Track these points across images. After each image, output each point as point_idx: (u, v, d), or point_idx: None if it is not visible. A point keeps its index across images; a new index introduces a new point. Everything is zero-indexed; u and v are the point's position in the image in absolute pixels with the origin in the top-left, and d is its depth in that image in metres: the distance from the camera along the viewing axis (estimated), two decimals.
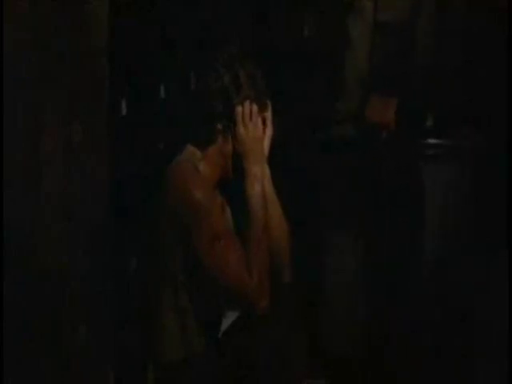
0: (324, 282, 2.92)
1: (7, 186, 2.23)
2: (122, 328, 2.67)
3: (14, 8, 2.23)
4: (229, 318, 2.48)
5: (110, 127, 2.45)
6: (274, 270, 2.43)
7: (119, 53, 2.69)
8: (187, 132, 2.46)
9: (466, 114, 2.92)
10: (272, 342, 2.30)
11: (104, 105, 2.43)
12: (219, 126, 2.35)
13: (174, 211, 2.30)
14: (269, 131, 2.42)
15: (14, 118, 2.26)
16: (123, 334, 2.70)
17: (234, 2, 3.40)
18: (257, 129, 2.36)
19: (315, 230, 3.00)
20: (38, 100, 2.28)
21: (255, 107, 2.34)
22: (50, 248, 2.30)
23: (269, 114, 2.42)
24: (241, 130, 2.34)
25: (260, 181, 2.34)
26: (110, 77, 2.45)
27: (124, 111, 3.01)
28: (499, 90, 2.66)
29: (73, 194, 2.35)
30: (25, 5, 2.25)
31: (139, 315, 2.61)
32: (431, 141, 2.98)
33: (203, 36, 3.25)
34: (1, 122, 2.22)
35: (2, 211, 2.22)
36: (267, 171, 2.41)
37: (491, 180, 2.79)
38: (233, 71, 2.35)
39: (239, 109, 2.32)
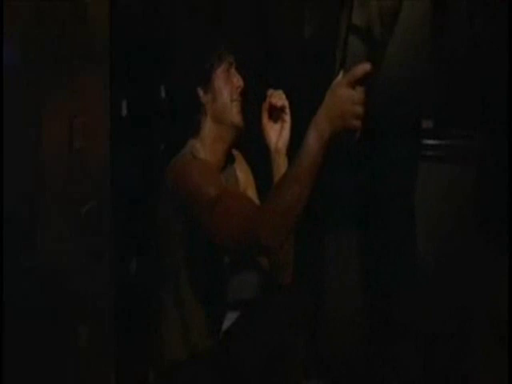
0: (323, 284, 2.92)
1: (7, 190, 2.23)
2: (123, 329, 2.67)
3: (14, 10, 2.24)
4: (229, 320, 2.48)
5: (111, 127, 2.45)
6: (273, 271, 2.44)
7: (119, 52, 2.69)
8: (181, 125, 2.46)
9: (465, 114, 2.92)
10: (271, 343, 2.30)
11: (105, 105, 2.44)
12: (201, 93, 2.39)
13: (175, 200, 2.29)
14: (287, 122, 2.43)
15: (14, 120, 2.26)
16: (124, 334, 2.71)
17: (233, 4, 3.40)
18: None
19: (314, 232, 3.00)
20: (38, 100, 2.28)
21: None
22: (50, 248, 2.30)
23: (286, 103, 2.43)
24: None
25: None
26: (110, 77, 2.45)
27: (124, 112, 3.02)
28: (500, 90, 2.65)
29: (73, 194, 2.36)
30: (26, 6, 2.25)
31: (140, 315, 2.61)
32: (430, 142, 2.98)
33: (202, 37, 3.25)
34: (1, 123, 2.22)
35: (1, 213, 2.22)
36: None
37: (492, 181, 2.79)
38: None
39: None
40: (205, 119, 2.42)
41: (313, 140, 2.02)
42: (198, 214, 2.21)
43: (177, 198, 2.27)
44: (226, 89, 2.42)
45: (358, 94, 1.99)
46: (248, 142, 2.49)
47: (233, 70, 2.46)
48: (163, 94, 3.03)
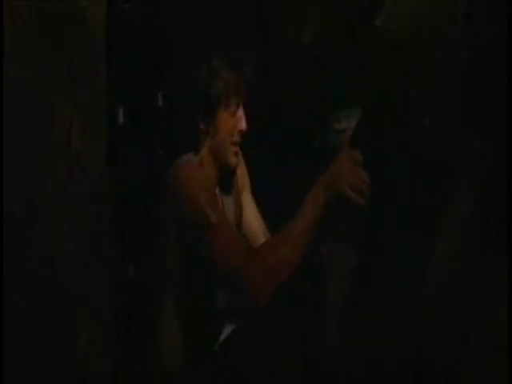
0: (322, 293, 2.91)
1: (7, 190, 2.23)
2: (123, 329, 2.67)
3: (14, 10, 2.24)
4: (225, 333, 2.48)
5: (108, 135, 2.45)
6: None
7: (117, 59, 2.69)
8: (179, 137, 2.46)
9: (465, 120, 2.92)
10: (266, 354, 2.30)
11: (102, 112, 2.43)
12: (202, 126, 2.38)
13: (176, 209, 2.30)
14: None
15: (14, 120, 2.26)
16: (124, 334, 2.70)
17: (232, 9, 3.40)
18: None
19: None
20: (35, 108, 2.28)
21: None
22: (50, 248, 2.31)
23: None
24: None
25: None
26: (107, 84, 2.45)
27: (121, 119, 3.01)
28: (499, 95, 2.65)
29: (71, 202, 2.36)
30: (25, 6, 2.25)
31: (139, 324, 2.61)
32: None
33: (201, 40, 3.25)
34: (1, 123, 2.23)
35: (1, 213, 2.22)
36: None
37: (492, 190, 2.78)
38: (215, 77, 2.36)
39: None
40: (204, 141, 2.41)
41: (308, 205, 2.13)
42: (193, 226, 2.25)
43: (176, 202, 2.28)
44: (227, 131, 2.40)
45: (358, 169, 2.08)
46: (248, 141, 2.50)
47: (239, 113, 2.43)
48: (160, 102, 3.04)
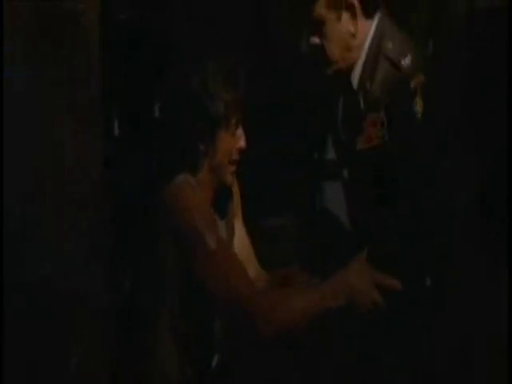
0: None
1: (7, 190, 2.23)
2: (123, 329, 2.66)
3: (14, 10, 2.24)
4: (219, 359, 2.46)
5: (103, 148, 2.44)
6: None
7: (111, 69, 2.67)
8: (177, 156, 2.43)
9: (465, 120, 2.91)
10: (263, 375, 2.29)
11: (96, 125, 2.42)
12: (201, 147, 2.35)
13: (174, 230, 2.27)
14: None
15: (14, 120, 2.26)
16: (124, 334, 2.70)
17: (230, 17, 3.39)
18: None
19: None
20: (35, 108, 2.28)
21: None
22: (50, 248, 2.31)
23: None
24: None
25: None
26: (102, 96, 2.44)
27: (116, 131, 2.97)
28: (499, 95, 2.65)
29: (71, 202, 2.36)
30: (25, 6, 2.26)
31: (135, 340, 2.60)
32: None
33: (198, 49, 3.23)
34: (1, 123, 2.23)
35: (1, 213, 2.22)
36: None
37: (492, 190, 2.78)
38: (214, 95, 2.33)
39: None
40: (203, 162, 2.37)
41: (328, 293, 2.11)
42: (192, 251, 2.23)
43: (173, 224, 2.26)
44: (226, 150, 2.37)
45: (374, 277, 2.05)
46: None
47: (239, 132, 2.40)
48: (157, 114, 3.01)
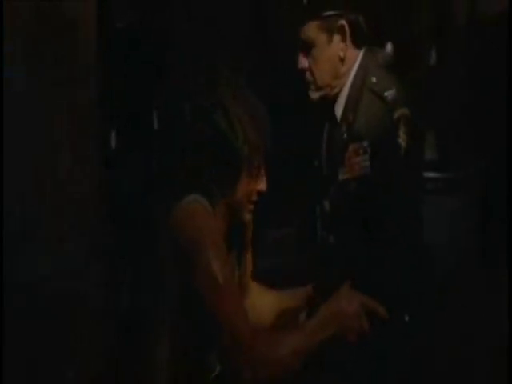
0: None
1: (7, 190, 2.23)
2: (123, 329, 2.67)
3: (14, 10, 2.25)
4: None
5: (100, 160, 2.43)
6: None
7: (111, 69, 2.67)
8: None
9: (465, 122, 2.91)
10: None
11: (93, 137, 2.41)
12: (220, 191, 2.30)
13: (178, 248, 2.24)
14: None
15: (14, 120, 2.26)
16: (124, 334, 2.70)
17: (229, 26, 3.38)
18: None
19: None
20: (35, 108, 2.29)
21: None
22: (50, 248, 2.31)
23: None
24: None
25: None
26: (99, 108, 2.43)
27: (114, 143, 2.95)
28: (499, 95, 2.65)
29: (71, 202, 2.36)
30: (25, 6, 2.26)
31: (135, 340, 2.60)
32: (432, 174, 2.95)
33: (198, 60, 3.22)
34: (1, 123, 2.23)
35: (1, 213, 2.23)
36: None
37: (492, 191, 2.78)
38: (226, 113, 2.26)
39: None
40: (220, 200, 2.31)
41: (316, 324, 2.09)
42: (196, 281, 2.20)
43: (177, 241, 2.22)
44: (245, 191, 2.30)
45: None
46: None
47: (261, 174, 2.31)
48: (156, 126, 2.98)
